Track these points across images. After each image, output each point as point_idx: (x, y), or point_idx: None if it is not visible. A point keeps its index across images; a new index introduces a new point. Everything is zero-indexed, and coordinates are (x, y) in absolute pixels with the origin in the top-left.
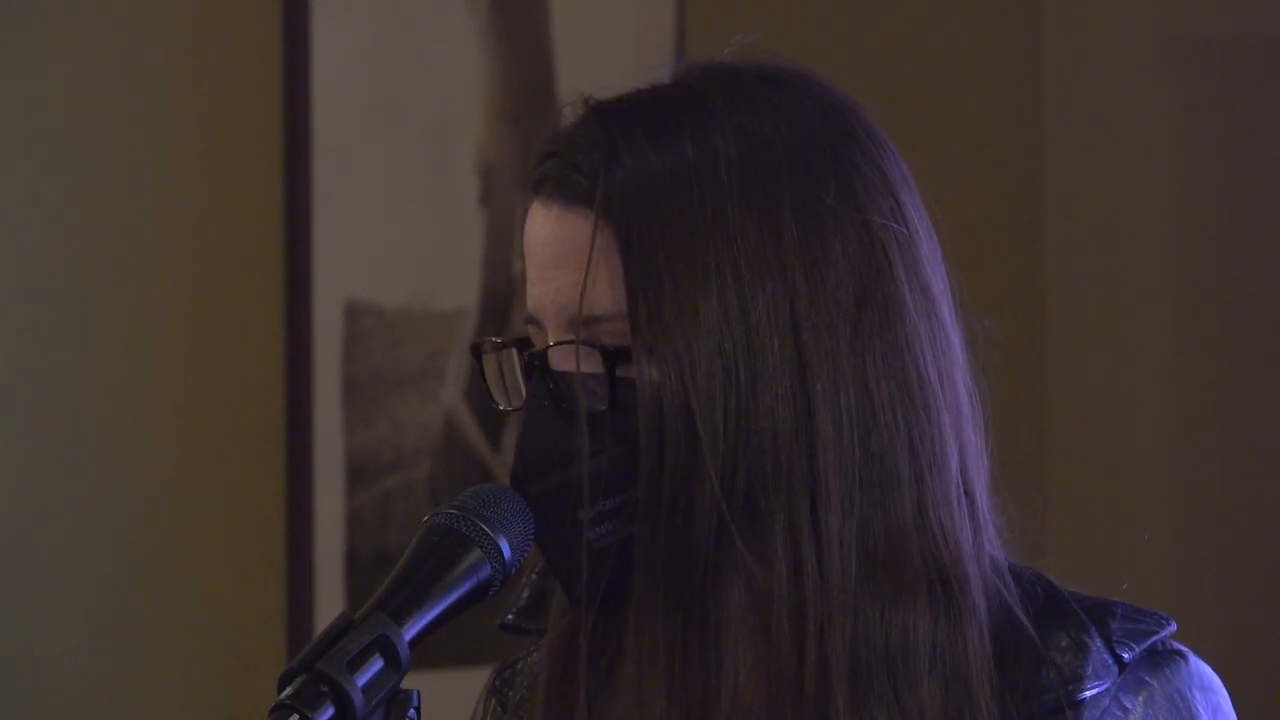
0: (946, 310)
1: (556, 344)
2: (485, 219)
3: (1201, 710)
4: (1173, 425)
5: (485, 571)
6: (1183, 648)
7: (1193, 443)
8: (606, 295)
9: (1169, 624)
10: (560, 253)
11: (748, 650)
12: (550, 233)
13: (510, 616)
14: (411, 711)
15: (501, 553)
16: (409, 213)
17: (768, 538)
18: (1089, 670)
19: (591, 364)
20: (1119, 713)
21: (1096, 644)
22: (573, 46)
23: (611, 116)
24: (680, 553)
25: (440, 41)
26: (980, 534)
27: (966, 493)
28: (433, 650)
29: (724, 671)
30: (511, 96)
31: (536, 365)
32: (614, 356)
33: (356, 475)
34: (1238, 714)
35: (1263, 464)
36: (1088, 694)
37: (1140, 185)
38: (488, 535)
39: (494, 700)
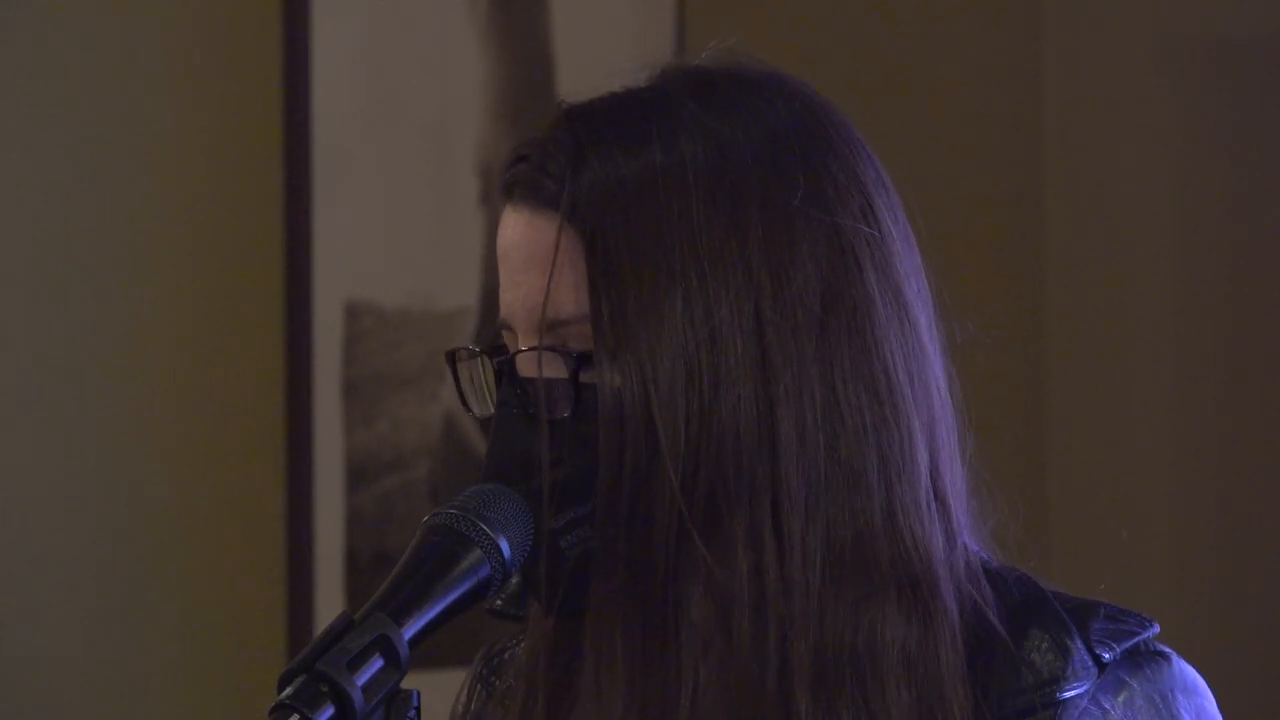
0: (922, 313)
1: (522, 350)
2: (485, 219)
3: (1184, 713)
4: (1173, 426)
5: (485, 571)
6: (1166, 649)
7: (1193, 443)
8: (571, 299)
9: (1152, 625)
10: (529, 257)
11: (708, 653)
12: (520, 237)
13: (499, 602)
14: (411, 711)
15: (501, 552)
16: (409, 213)
17: (729, 541)
18: (1067, 672)
19: (557, 369)
20: (1097, 713)
21: (1076, 645)
22: (573, 46)
23: (581, 120)
24: (640, 556)
25: (440, 41)
26: (953, 539)
27: (938, 497)
28: (433, 650)
29: (683, 674)
30: (511, 96)
31: (505, 371)
32: (578, 361)
33: (356, 475)
34: (1239, 713)
35: (1263, 464)
36: (1064, 696)
37: (1140, 185)
38: (488, 535)
39: (480, 687)
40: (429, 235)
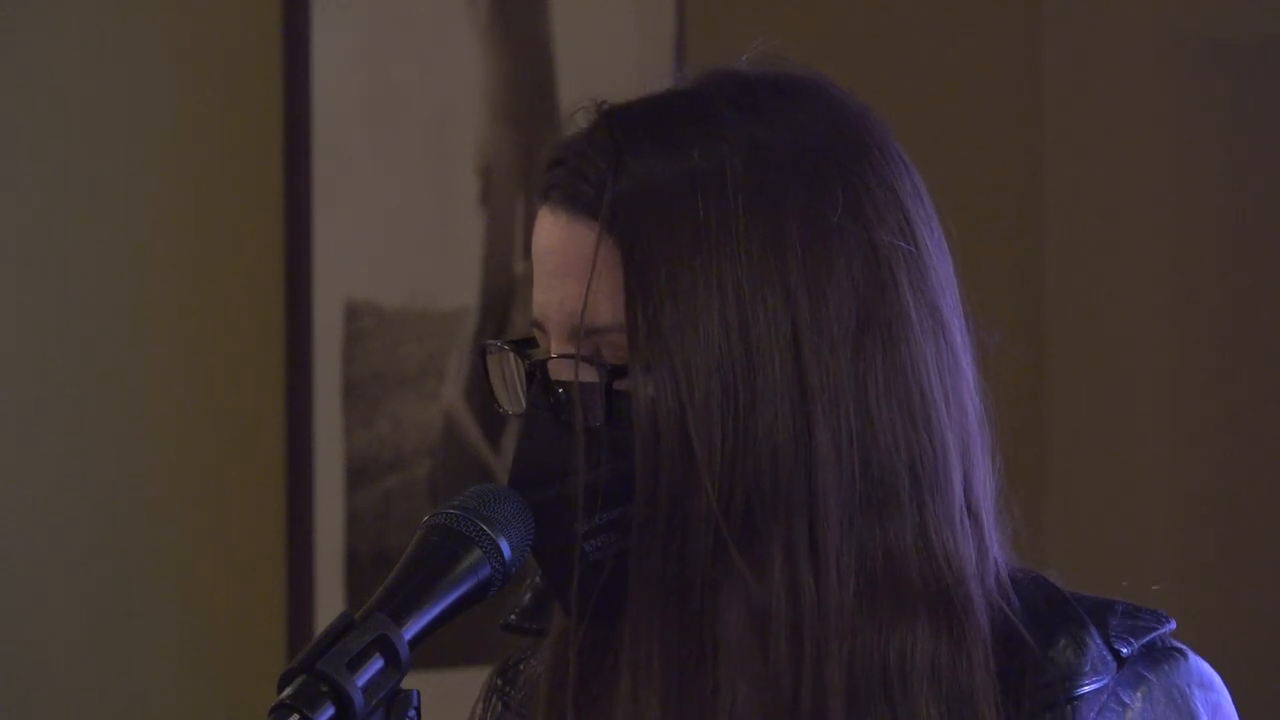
0: (956, 328)
1: (557, 356)
2: (485, 219)
3: (1200, 708)
4: (1173, 426)
5: (485, 571)
6: (1182, 645)
7: (1193, 443)
8: (608, 308)
9: (1168, 622)
10: (565, 262)
11: (745, 670)
12: (556, 242)
13: (513, 617)
14: (411, 712)
15: (501, 553)
16: (409, 213)
17: (765, 556)
18: (1086, 667)
19: (591, 376)
20: (1117, 708)
21: (1095, 641)
22: (573, 47)
23: (621, 124)
24: (676, 569)
25: (440, 41)
26: (985, 552)
27: (971, 514)
28: (433, 650)
29: (720, 691)
30: (512, 97)
31: (538, 374)
32: (612, 371)
33: (356, 475)
34: (1239, 713)
35: (1263, 464)
36: (1084, 690)
37: (1140, 185)
38: (488, 535)
39: (495, 699)
40: (429, 235)
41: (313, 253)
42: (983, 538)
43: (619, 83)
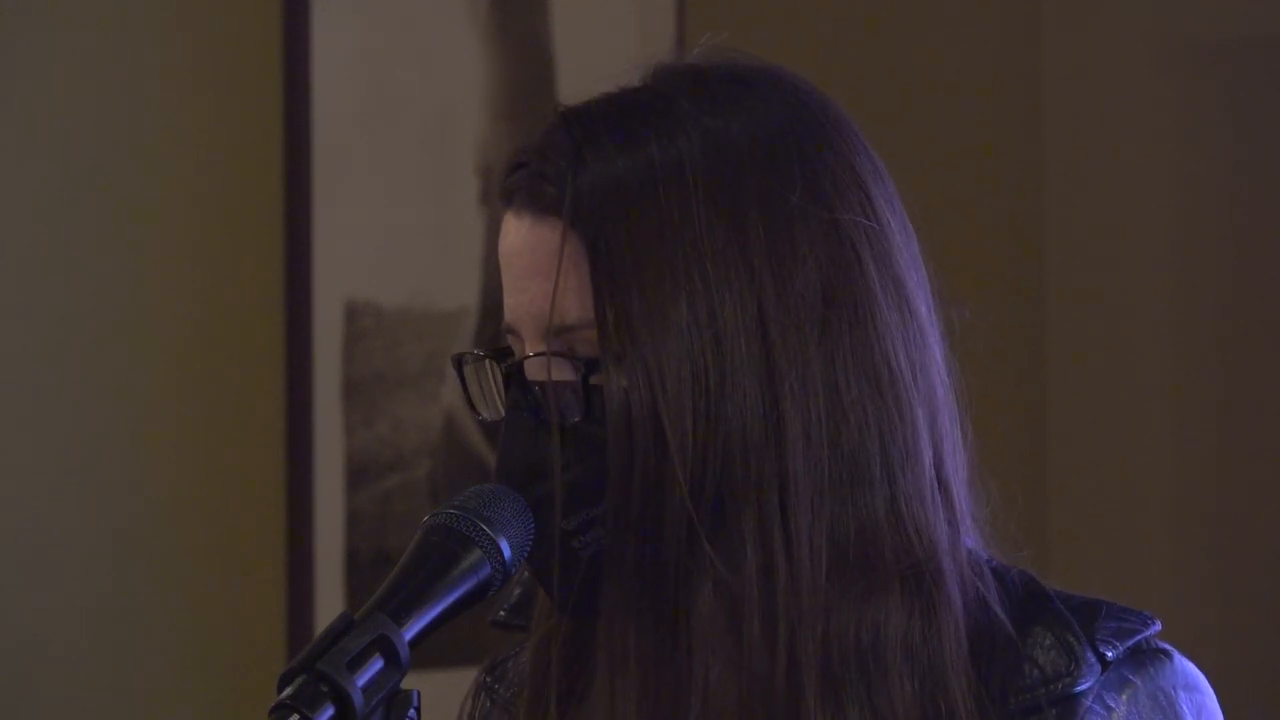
0: (922, 302)
1: (531, 355)
2: (485, 219)
3: (1185, 709)
4: (1173, 425)
5: (485, 571)
6: (1168, 646)
7: (1193, 442)
8: (577, 304)
9: (1154, 623)
10: (534, 263)
11: (718, 653)
12: (522, 243)
13: (502, 613)
14: (411, 711)
15: (501, 553)
16: (409, 213)
17: (737, 541)
18: (1071, 669)
19: (566, 373)
20: (1102, 711)
21: (1080, 643)
22: (573, 46)
23: (578, 124)
24: (651, 558)
25: (440, 41)
26: (957, 528)
27: (942, 487)
28: (433, 650)
29: (694, 674)
30: (512, 96)
31: (514, 376)
32: (587, 366)
33: (356, 475)
34: (1238, 714)
35: (1263, 464)
36: (1068, 693)
37: (1140, 186)
38: (488, 535)
39: (484, 696)
40: (429, 235)
41: (313, 253)
42: (953, 510)
43: (613, 84)
